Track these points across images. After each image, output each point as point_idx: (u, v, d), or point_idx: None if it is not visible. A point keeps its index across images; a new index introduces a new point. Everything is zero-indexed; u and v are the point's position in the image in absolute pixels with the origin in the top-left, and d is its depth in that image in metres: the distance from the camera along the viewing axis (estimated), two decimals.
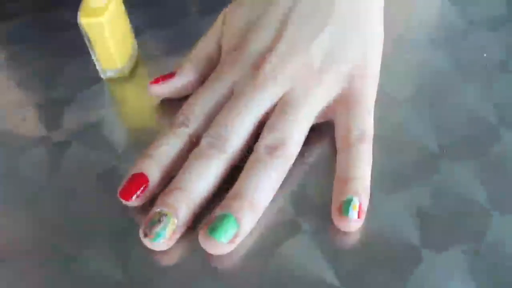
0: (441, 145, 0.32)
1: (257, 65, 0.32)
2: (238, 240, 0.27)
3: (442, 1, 0.43)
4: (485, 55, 0.37)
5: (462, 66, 0.37)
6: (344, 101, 0.31)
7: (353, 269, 0.26)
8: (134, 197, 0.29)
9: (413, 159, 0.31)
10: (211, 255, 0.27)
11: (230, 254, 0.27)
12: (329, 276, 0.26)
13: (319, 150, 0.31)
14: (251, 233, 0.28)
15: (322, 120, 0.32)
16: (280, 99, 0.31)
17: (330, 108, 0.32)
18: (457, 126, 0.33)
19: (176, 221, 0.27)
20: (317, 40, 0.32)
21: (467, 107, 0.34)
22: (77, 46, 0.38)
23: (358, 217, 0.27)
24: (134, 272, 0.27)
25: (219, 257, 0.27)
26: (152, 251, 0.28)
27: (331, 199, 0.29)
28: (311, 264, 0.27)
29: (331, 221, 0.28)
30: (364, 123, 0.30)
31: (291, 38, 0.32)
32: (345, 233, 0.28)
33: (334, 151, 0.31)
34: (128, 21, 0.38)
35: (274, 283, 0.26)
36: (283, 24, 0.32)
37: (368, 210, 0.28)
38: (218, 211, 0.27)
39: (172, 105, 0.36)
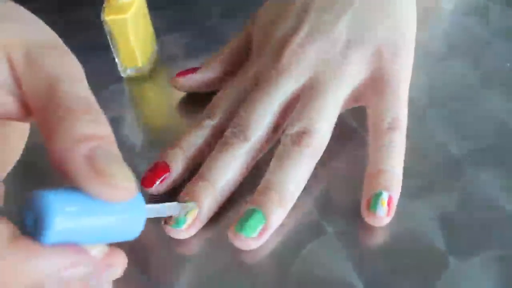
0: (465, 152, 0.31)
1: (279, 52, 0.31)
2: (266, 235, 0.27)
3: (464, 11, 0.43)
4: (508, 65, 0.37)
5: (485, 75, 0.37)
6: (374, 84, 0.30)
7: (378, 272, 0.26)
8: (155, 185, 0.29)
9: (437, 165, 0.31)
10: (236, 254, 0.27)
11: (254, 254, 0.27)
12: (353, 279, 0.26)
13: (343, 152, 0.31)
14: (275, 234, 0.27)
15: (352, 105, 0.31)
16: (305, 84, 0.30)
17: (359, 92, 0.31)
18: (480, 133, 0.33)
19: (197, 209, 0.27)
20: (340, 21, 0.31)
21: (490, 115, 0.34)
22: (97, 45, 0.38)
23: (388, 213, 0.27)
24: (154, 268, 0.27)
25: (244, 257, 0.27)
26: (173, 247, 0.27)
27: (355, 201, 0.28)
28: (335, 266, 0.26)
29: (355, 224, 0.28)
30: (395, 109, 0.29)
31: (313, 23, 0.31)
32: (369, 235, 0.27)
33: (357, 153, 0.31)
34: (150, 21, 0.38)
35: (298, 285, 0.26)
36: (305, 12, 0.32)
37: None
38: (247, 206, 0.27)
39: (191, 105, 0.36)
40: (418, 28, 0.33)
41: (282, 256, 0.27)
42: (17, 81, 0.19)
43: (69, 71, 0.19)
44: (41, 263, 0.17)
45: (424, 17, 0.34)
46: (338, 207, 0.29)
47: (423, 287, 0.25)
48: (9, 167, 0.23)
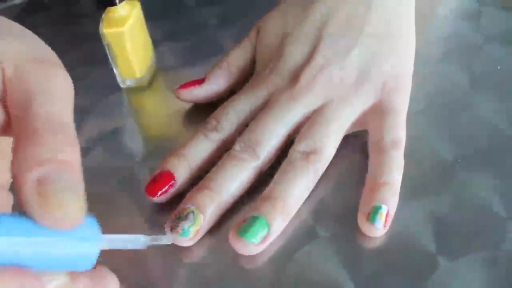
0: (456, 155, 0.32)
1: (294, 77, 0.33)
2: (268, 242, 0.28)
3: (457, 16, 0.43)
4: (499, 67, 0.38)
5: (477, 79, 0.37)
6: (378, 110, 0.32)
7: (370, 275, 0.27)
8: (159, 193, 0.30)
9: (429, 168, 0.31)
10: (232, 258, 0.28)
11: (250, 258, 0.28)
12: (346, 282, 0.26)
13: (336, 159, 0.32)
14: None
15: (355, 129, 0.33)
16: (315, 109, 0.32)
17: (363, 118, 0.32)
18: (472, 137, 0.33)
19: (202, 219, 0.28)
20: (351, 54, 0.33)
21: (482, 119, 0.34)
22: (97, 57, 0.39)
23: (385, 225, 0.28)
24: (154, 272, 0.28)
25: (240, 261, 0.28)
26: (172, 251, 0.28)
27: (348, 205, 0.29)
28: (327, 270, 0.27)
29: (347, 228, 0.29)
30: (397, 131, 0.31)
31: (326, 52, 0.33)
32: (361, 239, 0.28)
33: (350, 160, 0.32)
34: (147, 32, 0.39)
35: (292, 287, 0.27)
36: (318, 37, 0.33)
37: None
38: (250, 213, 0.28)
39: (190, 113, 0.37)
40: None
41: (277, 260, 0.28)
42: (5, 92, 0.19)
43: (52, 89, 0.19)
44: None
45: (419, 23, 0.35)
46: (331, 211, 0.30)
47: (413, 287, 0.26)
48: (8, 180, 0.24)
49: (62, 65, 0.21)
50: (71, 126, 0.19)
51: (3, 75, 0.19)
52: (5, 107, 0.19)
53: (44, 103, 0.18)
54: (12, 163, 0.17)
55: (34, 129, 0.18)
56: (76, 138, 0.19)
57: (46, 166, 0.17)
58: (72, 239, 0.18)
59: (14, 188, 0.17)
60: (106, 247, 0.20)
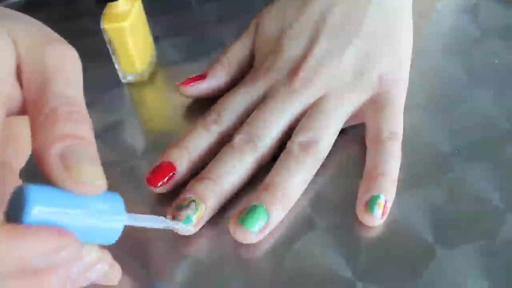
0: (453, 147, 0.32)
1: (293, 71, 0.33)
2: (268, 231, 0.28)
3: (455, 10, 0.44)
4: (496, 61, 0.38)
5: (474, 72, 0.37)
6: (375, 103, 0.33)
7: (368, 265, 0.27)
8: (160, 184, 0.30)
9: (426, 160, 0.32)
10: (232, 248, 0.28)
11: (249, 249, 0.28)
12: (344, 271, 0.27)
13: (334, 150, 0.32)
14: None
15: (354, 123, 0.33)
16: (314, 102, 0.32)
17: (361, 111, 0.33)
18: (469, 129, 0.33)
19: (204, 208, 0.28)
20: (349, 49, 0.33)
21: (479, 111, 0.35)
22: (98, 52, 0.39)
23: (383, 215, 0.28)
24: (153, 262, 0.28)
25: (238, 251, 0.28)
26: (171, 242, 0.29)
27: (346, 196, 0.30)
28: (326, 260, 0.27)
29: (345, 218, 0.29)
30: (394, 123, 0.32)
31: (325, 47, 0.33)
32: (359, 229, 0.28)
33: (348, 151, 0.32)
34: (148, 28, 0.39)
35: (291, 277, 0.27)
36: (316, 32, 0.34)
37: None
38: (249, 202, 0.28)
39: (191, 108, 0.37)
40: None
41: (275, 250, 0.28)
42: (20, 72, 0.20)
43: (64, 68, 0.20)
44: (28, 244, 0.18)
45: (417, 17, 0.35)
46: (329, 202, 0.30)
47: (411, 276, 0.26)
48: (20, 166, 0.24)
49: (69, 44, 0.22)
50: (83, 103, 0.20)
51: (18, 54, 0.20)
52: (22, 87, 0.20)
53: (59, 83, 0.20)
54: (33, 140, 0.19)
55: (51, 108, 0.19)
56: (88, 114, 0.20)
57: (66, 141, 0.19)
58: (100, 212, 0.20)
59: (38, 162, 0.19)
60: (130, 222, 0.22)
